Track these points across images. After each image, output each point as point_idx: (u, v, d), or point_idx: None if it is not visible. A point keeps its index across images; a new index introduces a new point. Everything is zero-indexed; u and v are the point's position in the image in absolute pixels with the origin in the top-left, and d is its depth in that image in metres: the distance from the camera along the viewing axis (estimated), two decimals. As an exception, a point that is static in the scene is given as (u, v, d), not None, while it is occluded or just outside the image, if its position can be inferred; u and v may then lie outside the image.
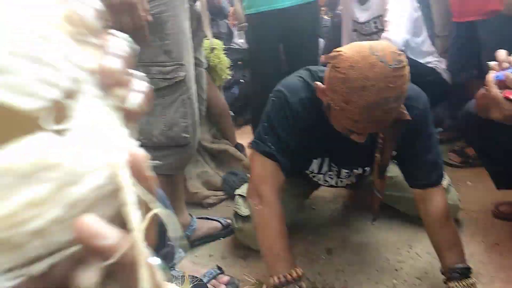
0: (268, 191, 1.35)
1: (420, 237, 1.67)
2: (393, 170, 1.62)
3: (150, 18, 1.21)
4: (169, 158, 1.44)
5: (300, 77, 1.39)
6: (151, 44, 1.28)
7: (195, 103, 1.49)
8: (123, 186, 0.21)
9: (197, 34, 1.58)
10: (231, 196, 2.06)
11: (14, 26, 0.20)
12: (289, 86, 1.38)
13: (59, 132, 0.21)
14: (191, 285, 0.85)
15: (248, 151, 2.66)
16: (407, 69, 1.14)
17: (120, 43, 0.25)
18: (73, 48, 0.23)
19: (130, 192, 0.21)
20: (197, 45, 1.61)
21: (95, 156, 0.21)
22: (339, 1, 2.93)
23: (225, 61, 2.34)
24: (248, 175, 1.98)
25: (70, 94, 0.21)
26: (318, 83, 1.27)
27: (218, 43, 2.27)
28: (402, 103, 1.17)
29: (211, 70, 2.26)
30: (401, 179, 1.65)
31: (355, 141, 1.25)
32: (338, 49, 1.20)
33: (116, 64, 0.24)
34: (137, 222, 0.21)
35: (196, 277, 1.54)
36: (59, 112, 0.21)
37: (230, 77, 2.69)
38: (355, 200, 2.00)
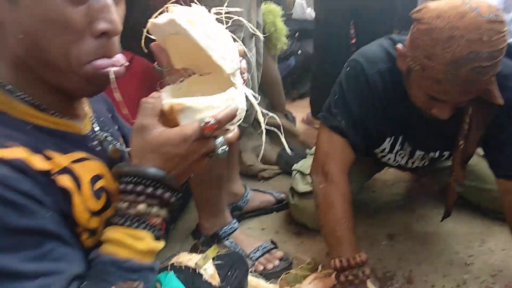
0: (335, 169, 1.26)
1: (494, 232, 1.53)
2: (473, 159, 1.47)
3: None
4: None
5: (381, 46, 1.26)
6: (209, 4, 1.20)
7: (252, 67, 1.40)
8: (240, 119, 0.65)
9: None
10: (286, 171, 1.98)
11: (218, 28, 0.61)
12: (367, 55, 1.25)
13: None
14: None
15: (300, 124, 2.56)
16: (504, 26, 0.97)
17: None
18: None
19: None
20: (256, 7, 1.50)
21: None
22: None
23: (283, 29, 2.17)
24: (307, 150, 1.90)
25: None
26: (399, 45, 1.13)
27: (276, 10, 2.11)
28: (497, 69, 1.00)
29: (266, 38, 2.13)
30: (479, 168, 1.51)
31: (436, 118, 1.12)
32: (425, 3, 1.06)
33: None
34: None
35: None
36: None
37: (287, 48, 2.56)
38: (420, 186, 1.87)
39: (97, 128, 0.70)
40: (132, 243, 0.57)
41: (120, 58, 0.61)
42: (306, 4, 3.31)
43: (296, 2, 3.32)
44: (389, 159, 1.45)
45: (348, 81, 1.25)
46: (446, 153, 1.39)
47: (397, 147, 1.39)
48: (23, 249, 0.50)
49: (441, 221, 1.46)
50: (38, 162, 0.54)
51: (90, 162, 0.63)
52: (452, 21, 0.96)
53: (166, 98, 0.60)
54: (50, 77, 0.59)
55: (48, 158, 0.56)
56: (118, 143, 0.73)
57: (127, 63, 0.63)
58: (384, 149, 1.39)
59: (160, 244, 0.61)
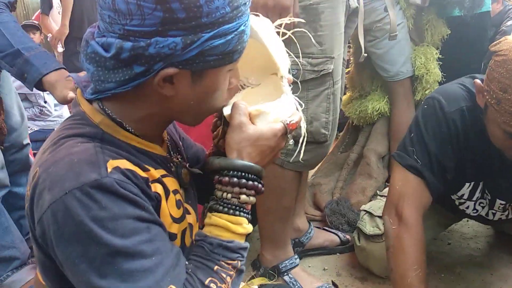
0: (409, 211, 1.18)
1: None
2: None
3: (298, 20, 1.18)
4: (305, 154, 1.34)
5: (462, 84, 1.20)
6: (303, 35, 1.23)
7: (338, 99, 1.40)
8: (300, 119, 0.77)
9: (345, 31, 1.48)
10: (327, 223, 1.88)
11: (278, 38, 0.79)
12: (447, 93, 1.19)
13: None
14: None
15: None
16: None
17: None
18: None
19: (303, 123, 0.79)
20: (344, 42, 1.51)
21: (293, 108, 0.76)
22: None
23: (436, 74, 1.93)
24: (378, 192, 1.82)
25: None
26: (477, 80, 1.08)
27: (429, 52, 1.95)
28: None
29: (416, 81, 1.98)
30: None
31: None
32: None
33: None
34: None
35: None
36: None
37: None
38: (502, 242, 1.70)
39: (171, 151, 0.81)
40: (235, 227, 0.71)
41: None
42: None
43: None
44: (467, 207, 1.34)
45: (425, 118, 1.20)
46: None
47: (477, 194, 1.28)
48: (139, 233, 0.61)
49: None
50: (140, 172, 0.66)
51: (171, 179, 0.74)
52: None
53: None
54: (177, 118, 0.74)
55: (146, 170, 0.68)
56: (187, 164, 0.84)
57: None
58: (463, 195, 1.29)
59: (251, 228, 0.74)
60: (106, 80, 0.64)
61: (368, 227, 1.54)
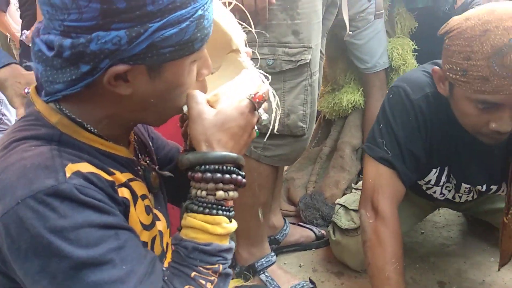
0: (385, 204, 1.17)
1: None
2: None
3: (274, 1, 1.13)
4: (282, 148, 1.32)
5: (424, 71, 1.19)
6: (280, 23, 1.19)
7: (316, 91, 1.36)
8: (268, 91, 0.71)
9: (326, 20, 1.44)
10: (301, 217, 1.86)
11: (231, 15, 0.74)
12: (411, 80, 1.18)
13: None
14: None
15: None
16: None
17: None
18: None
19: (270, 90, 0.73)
20: (322, 36, 1.48)
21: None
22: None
23: (413, 65, 1.95)
24: (353, 185, 1.81)
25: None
26: (435, 67, 1.08)
27: (407, 43, 1.97)
28: None
29: (393, 72, 1.99)
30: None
31: (490, 143, 1.05)
32: None
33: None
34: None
35: None
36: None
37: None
38: (473, 230, 1.72)
39: (139, 154, 0.75)
40: (212, 228, 0.64)
41: None
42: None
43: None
44: (435, 192, 1.35)
45: (392, 108, 1.18)
46: (494, 187, 1.26)
47: (443, 179, 1.29)
48: (106, 241, 0.56)
49: (498, 270, 1.32)
50: (105, 175, 0.61)
51: (138, 183, 0.69)
52: (483, 18, 0.93)
53: None
54: (140, 118, 0.68)
55: (111, 174, 0.63)
56: (157, 167, 0.78)
57: None
58: (429, 181, 1.29)
59: (235, 225, 0.67)
60: (54, 81, 0.59)
61: (343, 221, 1.53)
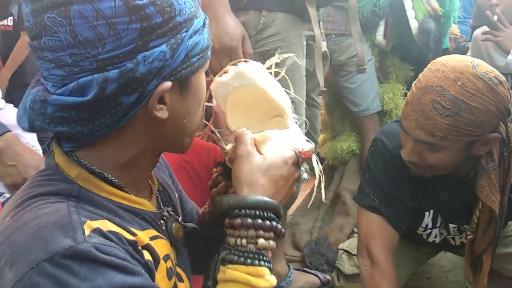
0: (378, 250, 1.20)
1: None
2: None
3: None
4: None
5: (398, 121, 1.25)
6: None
7: None
8: (313, 149, 0.70)
9: (315, 75, 1.53)
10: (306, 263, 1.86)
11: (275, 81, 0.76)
12: (387, 132, 1.27)
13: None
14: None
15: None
16: (491, 95, 0.97)
17: None
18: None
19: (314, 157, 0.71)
20: (315, 86, 1.55)
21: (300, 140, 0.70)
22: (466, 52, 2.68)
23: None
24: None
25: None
26: None
27: (396, 88, 2.08)
28: (453, 130, 0.98)
29: (386, 116, 2.08)
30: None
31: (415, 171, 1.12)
32: None
33: None
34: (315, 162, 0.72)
35: None
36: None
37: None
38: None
39: (161, 204, 0.71)
40: (255, 281, 0.58)
41: None
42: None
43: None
44: (435, 236, 1.36)
45: (373, 158, 1.26)
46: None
47: (439, 220, 1.31)
48: None
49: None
50: (126, 234, 0.56)
51: (161, 240, 0.64)
52: (448, 62, 1.01)
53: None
54: (170, 144, 0.64)
55: (133, 234, 0.57)
56: (180, 218, 0.73)
57: None
58: (427, 225, 1.32)
59: (275, 280, 0.61)
60: (92, 133, 0.55)
61: (347, 266, 1.53)
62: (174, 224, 0.68)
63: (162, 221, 0.67)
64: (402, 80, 2.08)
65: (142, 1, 0.52)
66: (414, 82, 1.07)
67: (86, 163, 0.57)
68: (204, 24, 0.60)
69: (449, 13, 2.03)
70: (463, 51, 3.17)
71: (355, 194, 1.33)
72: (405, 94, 2.05)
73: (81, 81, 0.52)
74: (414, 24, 1.92)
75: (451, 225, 1.31)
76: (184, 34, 0.56)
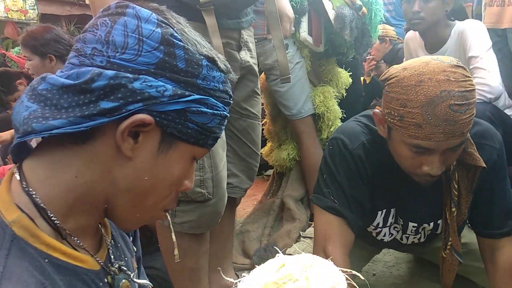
0: (336, 252, 1.18)
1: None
2: (467, 236, 1.42)
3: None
4: (189, 214, 1.28)
5: (358, 121, 1.28)
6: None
7: (219, 154, 1.30)
8: None
9: (247, 85, 1.52)
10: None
11: None
12: (347, 131, 1.25)
13: None
14: None
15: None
16: (467, 72, 1.02)
17: None
18: None
19: None
20: (248, 96, 1.54)
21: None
22: (401, 54, 2.82)
23: (336, 111, 2.05)
24: (301, 233, 1.84)
25: None
26: (376, 110, 1.16)
27: (327, 90, 2.07)
28: (472, 113, 1.02)
29: (320, 119, 2.07)
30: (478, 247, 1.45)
31: (426, 182, 1.12)
32: None
33: None
34: None
35: None
36: None
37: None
38: (421, 267, 1.78)
39: (112, 257, 0.65)
40: None
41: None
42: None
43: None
44: (384, 234, 1.39)
45: (333, 159, 1.24)
46: (440, 222, 1.33)
47: (390, 220, 1.34)
48: None
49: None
50: None
51: None
52: (418, 69, 1.02)
53: None
54: (118, 202, 0.58)
55: None
56: (132, 274, 0.67)
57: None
58: (378, 224, 1.34)
59: None
60: (53, 116, 0.52)
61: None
62: (123, 281, 0.63)
63: (108, 277, 0.61)
64: (342, 87, 2.14)
65: (178, 42, 0.55)
66: (405, 107, 1.02)
67: (34, 193, 0.53)
68: (223, 112, 0.60)
69: (370, 5, 2.03)
70: (397, 51, 3.36)
71: (312, 195, 1.29)
72: (337, 97, 2.11)
73: (82, 69, 0.53)
74: (332, 16, 1.93)
75: (411, 224, 1.33)
76: (193, 96, 0.56)
